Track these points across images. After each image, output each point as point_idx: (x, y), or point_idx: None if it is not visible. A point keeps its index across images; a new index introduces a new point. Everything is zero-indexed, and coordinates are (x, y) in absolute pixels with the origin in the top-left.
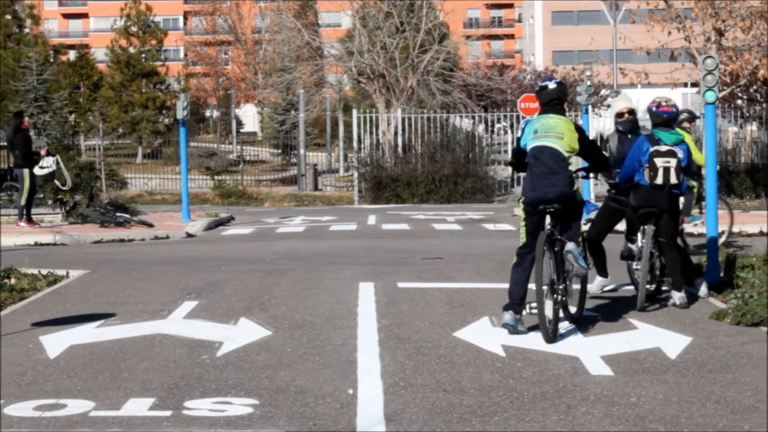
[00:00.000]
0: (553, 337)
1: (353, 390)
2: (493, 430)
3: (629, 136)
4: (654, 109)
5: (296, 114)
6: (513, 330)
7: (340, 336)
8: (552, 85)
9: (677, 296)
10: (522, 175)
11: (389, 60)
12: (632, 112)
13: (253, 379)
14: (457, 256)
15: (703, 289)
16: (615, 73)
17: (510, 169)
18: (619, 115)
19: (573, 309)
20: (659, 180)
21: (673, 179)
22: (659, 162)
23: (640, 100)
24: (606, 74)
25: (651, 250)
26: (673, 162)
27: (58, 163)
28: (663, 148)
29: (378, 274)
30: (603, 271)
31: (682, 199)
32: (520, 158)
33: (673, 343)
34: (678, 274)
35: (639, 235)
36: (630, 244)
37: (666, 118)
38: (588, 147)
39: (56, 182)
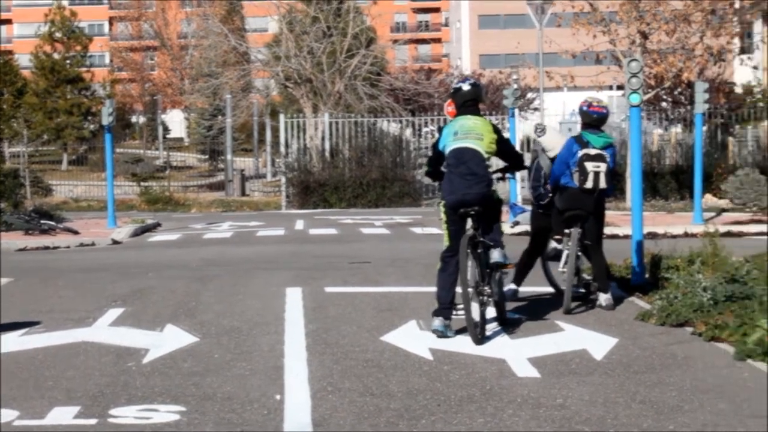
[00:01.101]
0: (481, 338)
1: (281, 395)
2: None
3: None
4: (585, 108)
5: (223, 119)
6: (441, 335)
7: (268, 341)
8: (466, 87)
9: (603, 298)
10: None
11: (316, 65)
12: None
13: (180, 385)
14: (384, 260)
15: (607, 297)
16: (541, 76)
17: None
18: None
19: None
20: (589, 184)
21: (603, 184)
22: (590, 166)
23: (566, 102)
24: (532, 77)
25: (577, 253)
26: (603, 167)
27: None
28: (592, 151)
29: (305, 279)
30: (518, 279)
31: None
32: (437, 163)
33: (599, 344)
34: (604, 277)
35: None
36: (557, 245)
37: (596, 119)
38: (505, 147)
39: None
